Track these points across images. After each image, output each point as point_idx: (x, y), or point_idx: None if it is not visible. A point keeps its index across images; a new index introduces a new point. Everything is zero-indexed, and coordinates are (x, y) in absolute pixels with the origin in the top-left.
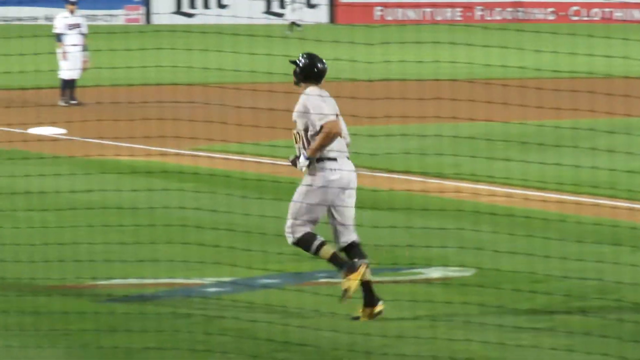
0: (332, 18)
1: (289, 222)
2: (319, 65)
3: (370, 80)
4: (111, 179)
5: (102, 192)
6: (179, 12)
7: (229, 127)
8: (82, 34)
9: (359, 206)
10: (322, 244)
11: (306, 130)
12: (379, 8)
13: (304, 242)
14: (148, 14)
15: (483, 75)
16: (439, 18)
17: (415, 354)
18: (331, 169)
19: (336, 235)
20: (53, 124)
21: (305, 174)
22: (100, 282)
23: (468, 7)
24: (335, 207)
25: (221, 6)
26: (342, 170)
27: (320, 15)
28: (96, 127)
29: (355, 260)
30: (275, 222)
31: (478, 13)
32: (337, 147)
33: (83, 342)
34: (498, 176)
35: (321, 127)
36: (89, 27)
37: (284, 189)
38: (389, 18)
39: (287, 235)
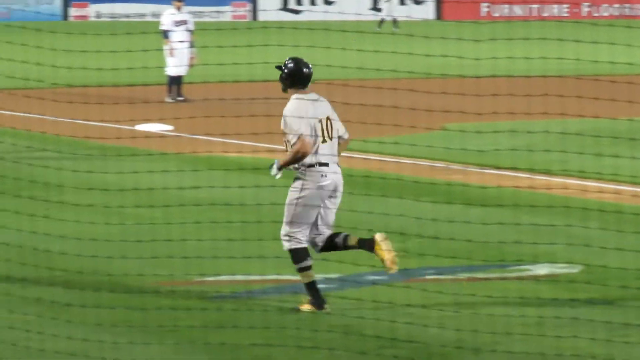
0: (439, 14)
1: (285, 228)
2: (304, 70)
3: (477, 77)
4: (218, 175)
5: (209, 189)
6: (285, 8)
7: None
8: (189, 31)
9: (467, 203)
10: (308, 268)
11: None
12: (486, 4)
13: (296, 256)
14: (255, 11)
15: (591, 72)
16: (545, 14)
17: (523, 351)
18: (322, 175)
19: (316, 235)
20: (160, 120)
21: (295, 179)
22: (207, 279)
23: (575, 4)
24: (324, 209)
25: (328, 3)
26: (332, 174)
27: (427, 11)
28: (203, 124)
29: (324, 301)
30: (382, 218)
31: (585, 9)
32: (328, 152)
33: (191, 339)
34: (606, 173)
35: (295, 141)
36: (196, 23)
37: (391, 186)
38: (496, 14)
39: (283, 241)
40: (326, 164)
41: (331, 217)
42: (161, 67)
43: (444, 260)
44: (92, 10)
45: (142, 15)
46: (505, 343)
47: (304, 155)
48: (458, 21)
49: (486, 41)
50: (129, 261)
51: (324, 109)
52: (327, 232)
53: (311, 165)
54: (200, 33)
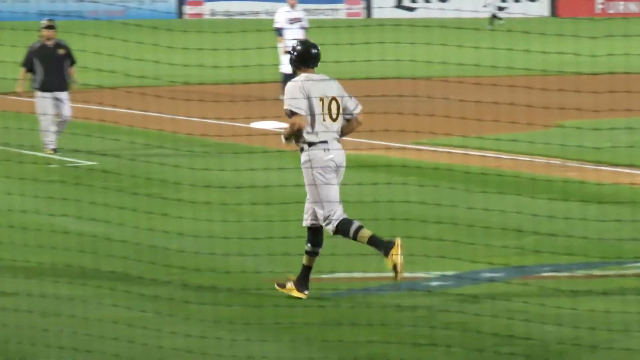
0: (554, 11)
1: (320, 212)
2: (312, 50)
3: (594, 74)
4: None
5: None
6: (399, 6)
7: (452, 121)
8: (303, 28)
9: (584, 200)
10: (359, 228)
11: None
12: (600, 1)
13: (343, 231)
14: (369, 8)
15: None
16: None
17: None
18: (324, 150)
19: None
20: (276, 118)
21: (301, 161)
22: (325, 276)
23: None
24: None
25: (442, 0)
26: (334, 150)
27: (542, 8)
28: None
29: (389, 239)
30: (499, 215)
31: None
32: (329, 130)
33: (307, 336)
34: None
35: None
36: (310, 21)
37: (508, 183)
38: (611, 11)
39: (325, 227)
40: (326, 141)
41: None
42: (276, 64)
43: (560, 258)
44: (207, 8)
45: (256, 13)
46: (622, 340)
47: (299, 128)
48: (573, 18)
49: (602, 38)
50: (246, 259)
51: (330, 89)
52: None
53: (313, 144)
54: (315, 31)
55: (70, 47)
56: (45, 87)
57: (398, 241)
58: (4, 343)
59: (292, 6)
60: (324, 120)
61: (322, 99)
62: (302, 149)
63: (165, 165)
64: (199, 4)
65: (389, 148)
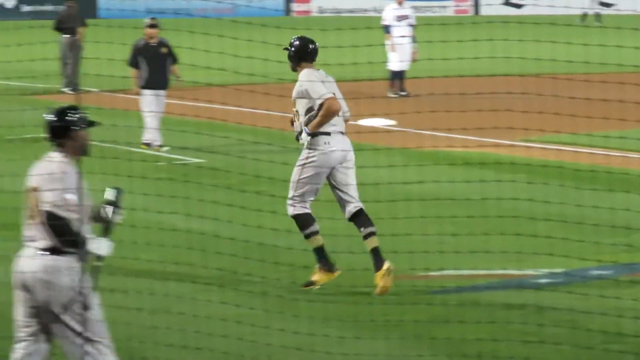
0: None
1: (290, 193)
2: (310, 45)
3: None
4: (444, 170)
5: (435, 184)
6: (508, 3)
7: (562, 118)
8: (411, 26)
9: None
10: (314, 233)
11: (308, 110)
12: None
13: (301, 221)
14: (477, 6)
15: None
16: None
17: None
18: (325, 142)
19: (340, 205)
20: (385, 115)
21: (302, 149)
22: (432, 273)
23: None
24: (333, 177)
25: None
26: (336, 144)
27: (636, 3)
28: (426, 119)
29: (334, 264)
30: (608, 213)
31: None
32: (337, 125)
33: (416, 333)
34: None
35: (321, 105)
36: (418, 18)
37: (617, 180)
38: None
39: (287, 207)
40: (328, 134)
41: (347, 179)
42: (384, 62)
43: None
44: (314, 5)
45: (365, 10)
46: None
47: (334, 113)
48: None
49: None
50: (354, 256)
51: (330, 86)
52: (346, 199)
53: (314, 135)
54: (423, 28)
55: (172, 46)
56: (150, 84)
57: (335, 274)
58: (114, 341)
59: (400, 3)
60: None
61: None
62: (307, 140)
63: (273, 162)
64: (306, 1)
65: (497, 145)
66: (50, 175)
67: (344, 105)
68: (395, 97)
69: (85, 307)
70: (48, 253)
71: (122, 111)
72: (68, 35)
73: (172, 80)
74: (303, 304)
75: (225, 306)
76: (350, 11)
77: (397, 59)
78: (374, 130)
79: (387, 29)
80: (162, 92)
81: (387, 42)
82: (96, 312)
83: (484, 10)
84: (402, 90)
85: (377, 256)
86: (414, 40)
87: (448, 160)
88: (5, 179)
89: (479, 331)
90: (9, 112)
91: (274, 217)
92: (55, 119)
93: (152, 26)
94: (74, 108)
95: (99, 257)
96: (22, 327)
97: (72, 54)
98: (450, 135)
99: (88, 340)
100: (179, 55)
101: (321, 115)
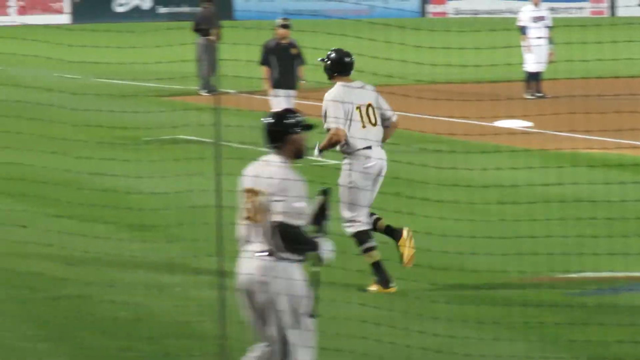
0: None
1: (345, 214)
2: (345, 59)
3: None
4: (583, 172)
5: (574, 185)
6: None
7: None
8: (547, 27)
9: None
10: (371, 248)
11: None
12: None
13: (359, 239)
14: (613, 7)
15: None
16: None
17: None
18: (366, 157)
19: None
20: (522, 117)
21: (343, 164)
22: (572, 275)
23: None
24: (370, 192)
25: None
26: (374, 155)
27: None
28: (564, 120)
29: (390, 280)
30: None
31: None
32: (369, 137)
33: (555, 336)
34: None
35: (328, 129)
36: (554, 19)
37: None
38: None
39: (345, 228)
40: (369, 147)
41: (375, 188)
42: (520, 63)
43: None
44: (450, 6)
45: (502, 11)
46: None
47: (337, 142)
48: None
49: None
50: (493, 257)
51: (366, 96)
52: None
53: (356, 149)
54: (559, 29)
55: (301, 47)
56: (280, 84)
57: (393, 289)
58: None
59: (536, 4)
60: (363, 126)
61: (358, 107)
62: (344, 156)
63: (412, 164)
64: (442, 2)
65: (636, 147)
66: (279, 183)
67: (388, 111)
68: (532, 99)
69: (311, 314)
70: (266, 255)
71: (261, 112)
72: (205, 37)
73: (300, 81)
74: (441, 305)
75: (364, 308)
76: (489, 13)
77: (534, 60)
78: (511, 132)
79: (523, 30)
80: (292, 92)
81: (523, 43)
82: (310, 326)
83: (621, 12)
84: (539, 91)
85: (393, 230)
86: (551, 41)
87: (587, 162)
88: (144, 180)
89: (619, 334)
90: (147, 114)
91: (412, 218)
92: (273, 122)
93: (284, 26)
94: (291, 112)
95: (318, 261)
96: (252, 329)
97: (207, 56)
98: (588, 137)
99: (286, 354)
100: (305, 57)
101: (326, 140)
